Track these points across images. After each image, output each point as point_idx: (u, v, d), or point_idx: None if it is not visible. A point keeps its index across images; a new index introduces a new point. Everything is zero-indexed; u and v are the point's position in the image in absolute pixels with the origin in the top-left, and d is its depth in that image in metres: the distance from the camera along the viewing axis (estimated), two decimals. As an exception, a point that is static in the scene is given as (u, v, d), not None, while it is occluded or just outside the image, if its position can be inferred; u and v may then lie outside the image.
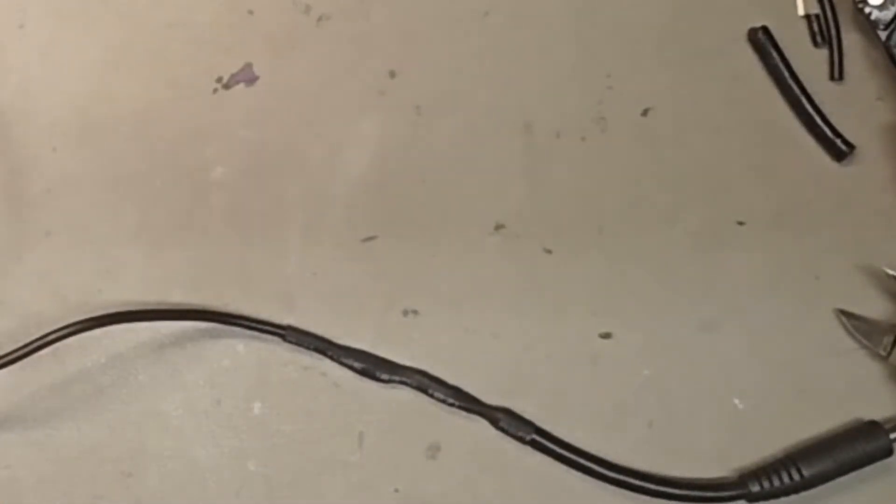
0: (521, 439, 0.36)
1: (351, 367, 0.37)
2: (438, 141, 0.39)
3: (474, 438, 0.38)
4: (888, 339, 0.37)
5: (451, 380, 0.38)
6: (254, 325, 0.37)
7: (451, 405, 0.37)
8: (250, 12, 0.40)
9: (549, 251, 0.39)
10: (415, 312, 0.38)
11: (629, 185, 0.39)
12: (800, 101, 0.39)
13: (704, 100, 0.39)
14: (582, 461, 0.36)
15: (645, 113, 0.39)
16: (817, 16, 0.39)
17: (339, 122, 0.39)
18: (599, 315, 0.38)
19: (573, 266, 0.39)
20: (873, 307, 0.38)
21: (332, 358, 0.38)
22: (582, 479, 0.36)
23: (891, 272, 0.37)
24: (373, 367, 0.37)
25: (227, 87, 0.40)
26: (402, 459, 0.38)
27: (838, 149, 0.38)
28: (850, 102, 0.39)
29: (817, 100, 0.39)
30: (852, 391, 0.37)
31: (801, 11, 0.40)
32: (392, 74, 0.40)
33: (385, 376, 0.37)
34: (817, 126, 0.39)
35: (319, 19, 0.40)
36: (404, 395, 0.38)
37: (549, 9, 0.40)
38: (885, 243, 0.38)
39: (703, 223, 0.39)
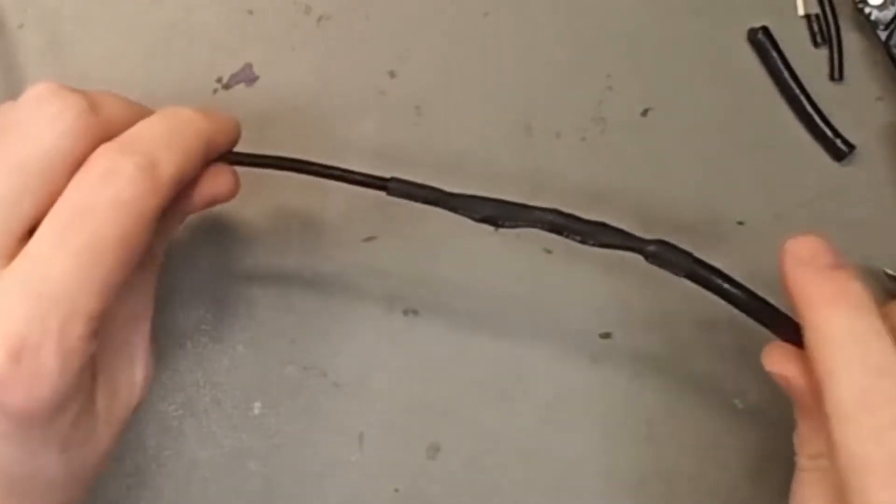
0: (676, 273, 0.32)
1: (472, 217, 0.33)
2: (438, 141, 0.39)
3: (474, 438, 0.38)
4: (888, 339, 0.37)
5: (451, 379, 0.38)
6: (357, 177, 0.32)
7: (593, 245, 0.32)
8: (250, 12, 0.40)
9: (549, 251, 0.39)
10: (415, 312, 0.38)
11: (629, 185, 0.39)
12: (800, 101, 0.39)
13: (704, 100, 0.39)
14: (742, 295, 0.31)
15: (645, 113, 0.39)
16: (817, 16, 0.39)
17: (339, 122, 0.39)
18: (599, 315, 0.38)
19: (573, 266, 0.39)
20: (873, 307, 0.38)
21: (448, 208, 0.33)
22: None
23: (890, 272, 0.37)
24: (498, 214, 0.32)
25: (227, 87, 0.39)
26: (402, 459, 0.38)
27: (838, 149, 0.38)
28: (850, 102, 0.39)
29: (817, 100, 0.39)
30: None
31: (801, 11, 0.40)
32: (392, 74, 0.40)
33: (510, 223, 0.33)
34: (817, 126, 0.39)
35: (319, 19, 0.40)
36: (404, 395, 0.38)
37: (549, 9, 0.40)
38: (885, 243, 0.38)
39: (703, 223, 0.39)
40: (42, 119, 0.28)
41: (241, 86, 0.40)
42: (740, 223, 0.39)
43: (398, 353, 0.38)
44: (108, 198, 0.27)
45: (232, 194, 0.33)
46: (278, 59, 0.40)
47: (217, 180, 0.32)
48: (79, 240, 0.27)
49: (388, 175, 0.32)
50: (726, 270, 0.38)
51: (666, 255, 0.32)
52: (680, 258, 0.31)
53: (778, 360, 0.30)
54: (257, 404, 0.38)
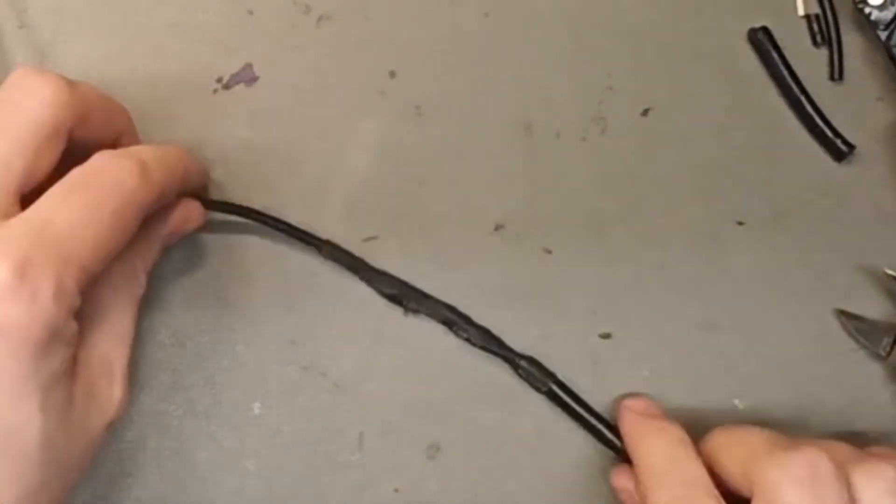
0: (538, 388, 0.37)
1: (380, 292, 0.38)
2: (438, 141, 0.39)
3: (474, 438, 0.38)
4: (888, 340, 0.37)
5: (451, 379, 0.38)
6: (295, 232, 0.38)
7: (474, 345, 0.37)
8: (250, 12, 0.40)
9: (549, 251, 0.39)
10: (415, 312, 0.38)
11: (629, 185, 0.39)
12: (800, 101, 0.39)
13: (704, 100, 0.39)
14: (593, 420, 0.37)
15: (645, 113, 0.39)
16: (817, 16, 0.39)
17: (339, 122, 0.39)
18: (599, 315, 0.38)
19: (573, 266, 0.39)
20: (873, 307, 0.38)
21: (363, 279, 0.38)
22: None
23: (890, 272, 0.37)
24: (402, 294, 0.38)
25: (227, 87, 0.39)
26: (402, 459, 0.38)
27: (838, 149, 0.38)
28: (850, 102, 0.39)
29: (817, 100, 0.39)
30: (852, 391, 0.37)
31: (801, 11, 0.40)
32: (392, 74, 0.40)
33: (413, 305, 0.38)
34: (817, 126, 0.39)
35: (319, 19, 0.40)
36: (404, 395, 0.38)
37: (549, 9, 0.40)
38: (885, 243, 0.38)
39: (703, 223, 0.39)
40: (27, 93, 0.32)
41: (241, 86, 0.40)
42: (740, 223, 0.39)
43: (398, 353, 0.38)
44: (109, 177, 0.31)
45: (199, 223, 0.37)
46: (278, 59, 0.40)
47: (187, 209, 0.37)
48: (82, 198, 0.31)
49: (324, 238, 0.38)
50: (726, 270, 0.38)
51: (532, 371, 0.37)
52: (544, 376, 0.37)
53: (619, 478, 0.36)
54: (257, 404, 0.38)
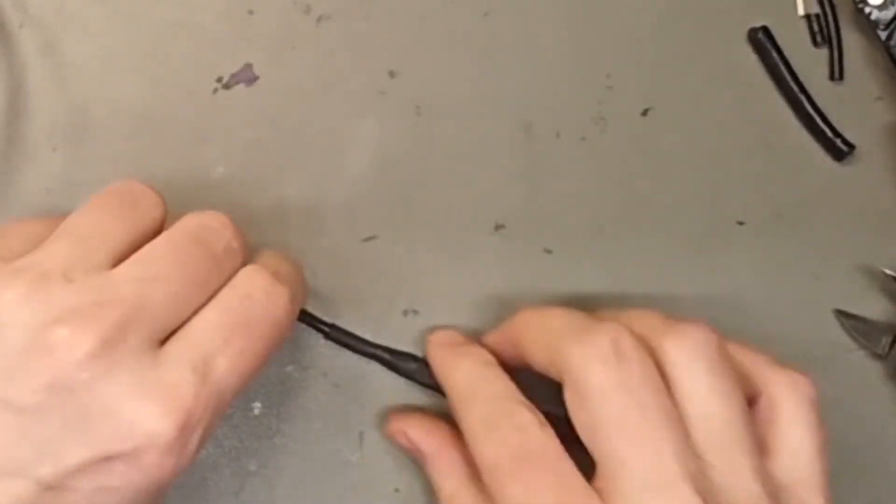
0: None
1: (396, 370, 0.38)
2: (438, 141, 0.39)
3: (474, 438, 0.38)
4: (887, 340, 0.37)
5: (451, 380, 0.38)
6: (300, 316, 0.37)
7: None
8: (250, 12, 0.40)
9: (549, 251, 0.39)
10: (415, 312, 0.38)
11: (629, 185, 0.39)
12: (800, 101, 0.39)
13: (704, 100, 0.39)
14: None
15: (645, 113, 0.39)
16: (817, 16, 0.39)
17: (339, 122, 0.39)
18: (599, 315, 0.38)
19: (573, 266, 0.39)
20: (872, 307, 0.38)
21: (372, 357, 0.38)
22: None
23: (890, 272, 0.37)
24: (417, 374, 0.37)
25: (227, 87, 0.39)
26: (403, 459, 0.38)
27: (838, 149, 0.38)
28: (850, 102, 0.39)
29: (817, 100, 0.39)
30: (851, 391, 0.37)
31: (801, 11, 0.40)
32: (392, 74, 0.40)
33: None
34: (817, 126, 0.39)
35: (319, 19, 0.40)
36: (404, 395, 0.38)
37: (549, 9, 0.40)
38: (885, 243, 0.38)
39: (703, 223, 0.39)
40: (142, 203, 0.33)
41: (241, 86, 0.40)
42: (740, 223, 0.39)
43: (398, 353, 0.38)
44: (267, 313, 0.31)
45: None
46: (278, 59, 0.40)
47: None
48: (242, 343, 0.30)
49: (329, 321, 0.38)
50: (726, 270, 0.38)
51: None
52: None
53: (398, 429, 0.36)
54: (257, 404, 0.38)
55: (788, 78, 0.39)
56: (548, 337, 0.32)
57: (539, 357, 0.32)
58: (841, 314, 0.38)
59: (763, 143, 0.39)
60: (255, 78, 0.40)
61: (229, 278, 0.31)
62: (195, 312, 0.30)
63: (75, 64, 0.39)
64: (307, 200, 0.39)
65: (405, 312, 0.38)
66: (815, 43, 0.39)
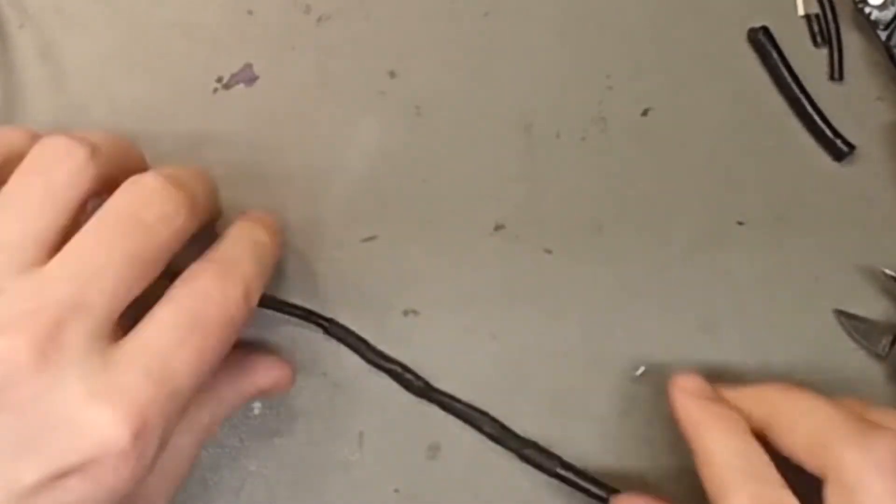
0: (545, 472, 0.37)
1: (389, 373, 0.38)
2: (438, 141, 0.39)
3: (474, 438, 0.38)
4: (887, 340, 0.37)
5: (451, 378, 0.38)
6: (299, 312, 0.37)
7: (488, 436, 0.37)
8: (250, 12, 0.40)
9: (549, 251, 0.39)
10: (415, 312, 0.38)
11: (629, 185, 0.39)
12: (800, 101, 0.39)
13: (704, 100, 0.39)
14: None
15: (645, 113, 0.39)
16: (817, 16, 0.39)
17: (339, 121, 0.39)
18: (599, 315, 0.38)
19: (573, 266, 0.39)
20: (872, 307, 0.38)
21: (368, 361, 0.38)
22: (582, 479, 0.36)
23: (890, 272, 0.37)
24: (407, 382, 0.38)
25: (227, 87, 0.39)
26: (402, 459, 0.38)
27: (838, 149, 0.38)
28: (850, 102, 0.39)
29: (817, 100, 0.39)
30: (851, 391, 0.37)
31: (801, 11, 0.40)
32: (392, 74, 0.40)
33: (433, 396, 0.38)
34: (817, 126, 0.39)
35: (319, 19, 0.40)
36: (404, 395, 0.38)
37: (549, 9, 0.40)
38: (885, 243, 0.38)
39: (703, 223, 0.39)
40: (53, 162, 0.30)
41: (241, 86, 0.40)
42: (740, 223, 0.39)
43: (398, 353, 0.38)
44: (222, 313, 0.30)
45: (287, 389, 0.37)
46: (278, 59, 0.40)
47: (281, 373, 0.36)
48: (198, 344, 0.29)
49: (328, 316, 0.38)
50: (726, 270, 0.38)
51: (535, 456, 0.37)
52: (549, 460, 0.37)
53: None
54: (257, 404, 0.38)
55: (788, 78, 0.39)
56: (814, 431, 0.32)
57: (798, 447, 0.32)
58: (841, 314, 0.38)
59: (763, 144, 0.39)
60: (255, 78, 0.40)
61: (176, 243, 0.30)
62: (149, 291, 0.29)
63: (75, 64, 0.39)
64: (307, 200, 0.39)
65: (405, 312, 0.38)
66: (815, 43, 0.39)
